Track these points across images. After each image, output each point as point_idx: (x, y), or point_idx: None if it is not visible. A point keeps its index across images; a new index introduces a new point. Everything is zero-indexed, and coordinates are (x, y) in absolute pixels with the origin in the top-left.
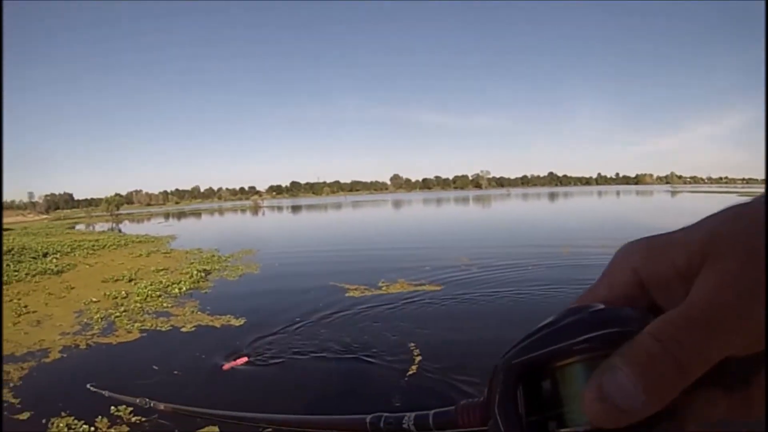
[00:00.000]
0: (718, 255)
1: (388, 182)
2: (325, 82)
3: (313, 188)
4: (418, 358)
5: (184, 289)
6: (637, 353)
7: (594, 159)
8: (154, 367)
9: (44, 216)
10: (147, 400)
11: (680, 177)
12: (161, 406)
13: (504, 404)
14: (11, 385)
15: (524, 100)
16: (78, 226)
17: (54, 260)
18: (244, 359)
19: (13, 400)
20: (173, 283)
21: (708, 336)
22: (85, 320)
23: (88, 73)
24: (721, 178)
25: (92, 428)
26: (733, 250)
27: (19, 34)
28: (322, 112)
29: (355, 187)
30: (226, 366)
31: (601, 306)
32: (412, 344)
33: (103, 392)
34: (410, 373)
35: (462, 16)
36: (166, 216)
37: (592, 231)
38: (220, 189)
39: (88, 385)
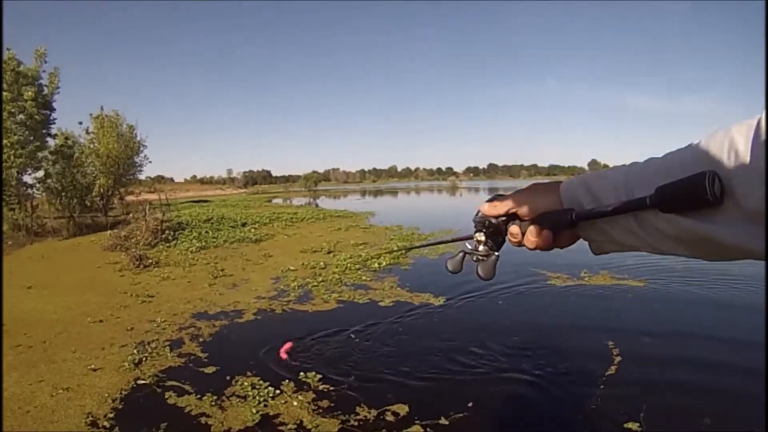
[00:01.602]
0: None
1: (586, 167)
2: (522, 60)
3: (510, 171)
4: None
5: (384, 264)
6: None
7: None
8: (352, 336)
9: (242, 190)
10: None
11: None
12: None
13: None
14: (200, 340)
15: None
16: (275, 200)
17: (252, 230)
18: (289, 345)
19: (200, 354)
20: (373, 257)
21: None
22: (282, 287)
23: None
24: None
25: (277, 391)
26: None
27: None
28: (515, 93)
29: (552, 171)
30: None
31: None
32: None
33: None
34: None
35: None
36: (363, 193)
37: None
38: (417, 169)
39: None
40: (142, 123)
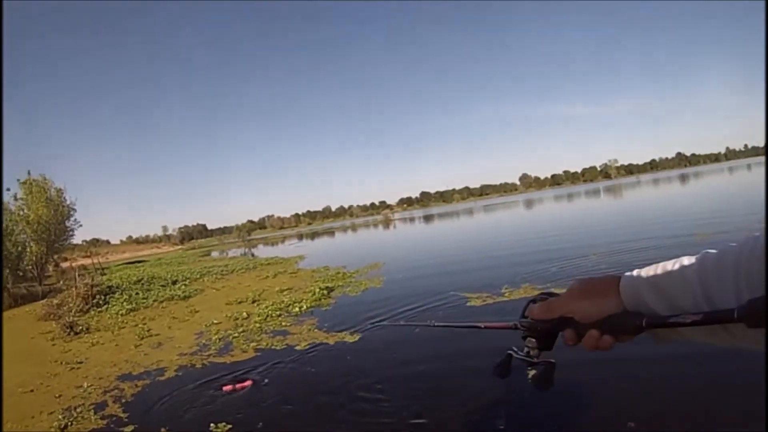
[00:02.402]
0: None
1: (518, 182)
2: (453, 90)
3: (443, 196)
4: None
5: (305, 307)
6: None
7: (721, 132)
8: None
9: (179, 246)
10: (432, 321)
11: None
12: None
13: None
14: (123, 401)
15: (647, 80)
16: (213, 254)
17: (183, 286)
18: (249, 382)
19: (122, 415)
20: (294, 302)
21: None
22: (204, 341)
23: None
24: None
25: None
26: None
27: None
28: (450, 120)
29: (484, 191)
30: (227, 387)
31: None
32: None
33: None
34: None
35: None
36: (300, 237)
37: (720, 213)
38: (350, 206)
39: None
40: (72, 185)
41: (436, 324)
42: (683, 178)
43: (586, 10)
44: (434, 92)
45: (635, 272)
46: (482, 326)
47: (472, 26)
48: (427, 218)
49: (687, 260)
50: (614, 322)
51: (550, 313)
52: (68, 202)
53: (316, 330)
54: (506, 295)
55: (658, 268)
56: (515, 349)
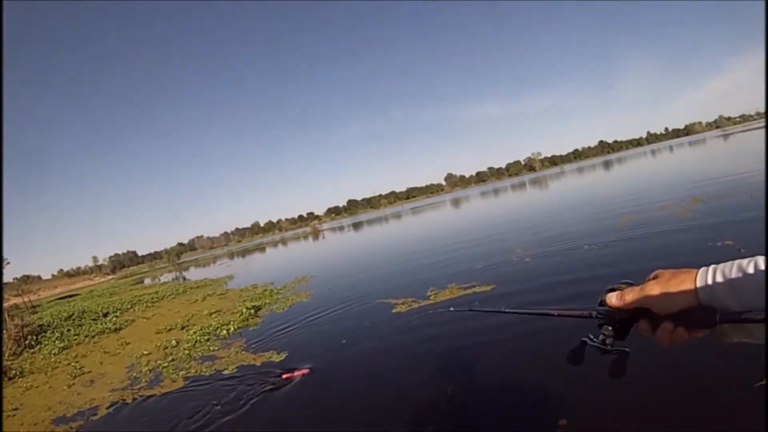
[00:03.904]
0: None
1: (443, 182)
2: (367, 97)
3: (370, 202)
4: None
5: (233, 329)
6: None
7: (641, 119)
8: (185, 416)
9: (111, 276)
10: (503, 307)
11: (729, 118)
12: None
13: None
14: None
15: (567, 72)
16: (146, 280)
17: (113, 318)
18: (306, 371)
19: None
20: (222, 325)
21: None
22: (135, 374)
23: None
24: None
25: None
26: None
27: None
28: (367, 127)
29: (411, 193)
30: (287, 376)
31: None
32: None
33: (468, 309)
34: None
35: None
36: (231, 256)
37: (647, 193)
38: (279, 221)
39: (451, 308)
40: None
41: (507, 310)
42: (606, 165)
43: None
44: (354, 99)
45: (711, 267)
46: (555, 314)
47: (384, 32)
48: (356, 226)
49: (761, 260)
50: (689, 315)
51: (626, 302)
52: None
53: (243, 352)
54: (431, 298)
55: (734, 266)
56: (591, 337)
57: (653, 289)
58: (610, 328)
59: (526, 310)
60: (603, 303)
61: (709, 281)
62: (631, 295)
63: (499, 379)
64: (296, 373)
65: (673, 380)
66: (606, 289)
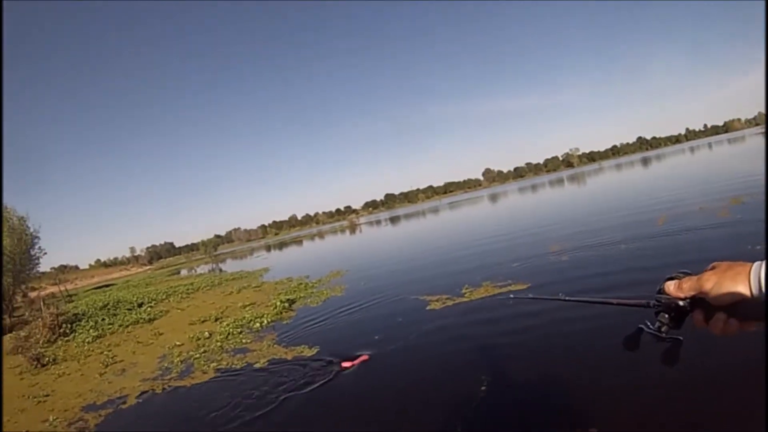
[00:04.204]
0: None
1: (481, 178)
2: (405, 90)
3: (408, 197)
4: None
5: (266, 322)
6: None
7: (680, 114)
8: (216, 408)
9: (147, 267)
10: (562, 294)
11: None
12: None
13: None
14: None
15: (603, 64)
16: (182, 272)
17: (148, 309)
18: (365, 357)
19: None
20: (255, 318)
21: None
22: (166, 365)
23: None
24: None
25: None
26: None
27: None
28: (405, 119)
29: (448, 188)
30: (346, 364)
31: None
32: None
33: (528, 296)
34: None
35: None
36: (267, 248)
37: (685, 192)
38: (316, 214)
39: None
40: (35, 211)
41: (567, 298)
42: (645, 162)
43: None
44: (389, 94)
45: (765, 262)
46: (614, 302)
47: (424, 24)
48: (393, 220)
49: None
50: (741, 307)
51: (683, 291)
52: (31, 230)
53: (275, 345)
54: (466, 295)
55: None
56: (648, 323)
57: (709, 279)
58: (667, 316)
59: (585, 298)
60: (661, 291)
61: (762, 275)
62: (688, 285)
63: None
64: (356, 361)
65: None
66: (665, 278)
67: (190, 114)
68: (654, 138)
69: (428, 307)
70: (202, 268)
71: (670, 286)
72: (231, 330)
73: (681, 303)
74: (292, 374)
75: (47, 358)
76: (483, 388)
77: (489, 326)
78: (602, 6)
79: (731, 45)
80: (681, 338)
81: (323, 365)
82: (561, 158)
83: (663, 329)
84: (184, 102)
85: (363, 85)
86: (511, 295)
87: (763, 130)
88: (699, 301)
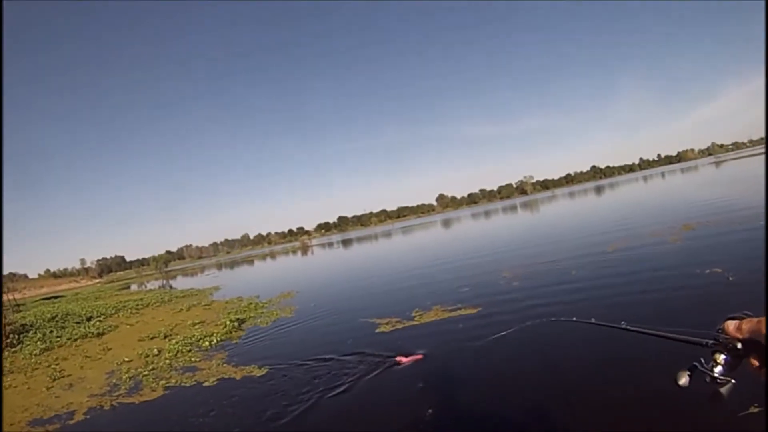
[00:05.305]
0: None
1: (435, 203)
2: (362, 115)
3: (361, 220)
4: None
5: (215, 341)
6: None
7: (634, 144)
8: (167, 427)
9: (97, 280)
10: (624, 322)
11: (722, 146)
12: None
13: None
14: None
15: (559, 96)
16: (132, 286)
17: (97, 323)
18: (419, 356)
19: None
20: (205, 336)
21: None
22: (115, 381)
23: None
24: (762, 139)
25: None
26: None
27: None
28: (362, 143)
29: (402, 213)
30: (403, 360)
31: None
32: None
33: (590, 320)
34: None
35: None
36: (219, 266)
37: (637, 219)
38: (269, 234)
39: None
40: None
41: (627, 327)
42: (598, 190)
43: (485, 29)
44: (347, 116)
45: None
46: (671, 336)
47: (375, 52)
48: (345, 242)
49: None
50: None
51: (741, 332)
52: None
53: (224, 364)
54: (416, 318)
55: None
56: (702, 361)
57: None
58: (722, 357)
59: (645, 329)
60: (721, 330)
61: None
62: (747, 326)
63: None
64: (410, 358)
65: None
66: (727, 317)
67: (145, 126)
68: (608, 167)
69: (377, 330)
70: (153, 284)
71: (730, 326)
72: (180, 348)
73: (738, 345)
74: (242, 393)
75: None
76: (429, 411)
77: (445, 347)
78: (562, 35)
79: (690, 77)
80: (733, 381)
81: (273, 383)
82: (515, 185)
83: (716, 370)
84: (135, 113)
85: (319, 108)
86: (574, 318)
87: (737, 156)
88: (756, 344)
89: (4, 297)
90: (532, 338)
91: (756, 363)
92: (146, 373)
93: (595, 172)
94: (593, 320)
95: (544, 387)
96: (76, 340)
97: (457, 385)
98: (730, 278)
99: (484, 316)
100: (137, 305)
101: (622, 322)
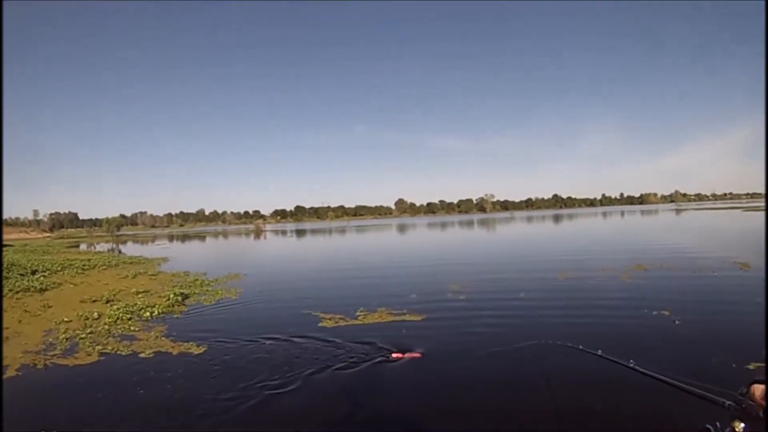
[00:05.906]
0: None
1: (393, 207)
2: (334, 109)
3: (318, 213)
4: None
5: (156, 312)
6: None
7: (598, 180)
8: (98, 395)
9: (47, 234)
10: (632, 362)
11: (685, 195)
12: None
13: None
14: None
15: (531, 120)
16: (81, 246)
17: (41, 278)
18: (418, 354)
19: None
20: (147, 306)
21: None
22: (51, 340)
23: (98, 91)
24: (725, 194)
25: None
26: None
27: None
28: (329, 138)
29: (359, 211)
30: (396, 355)
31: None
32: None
33: (597, 352)
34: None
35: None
36: (170, 238)
37: (592, 253)
38: (224, 213)
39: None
40: None
41: (637, 368)
42: (557, 218)
43: (468, 49)
44: (319, 110)
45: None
46: (687, 388)
47: (353, 48)
48: (299, 233)
49: None
50: None
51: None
52: None
53: (163, 338)
54: (360, 318)
55: None
56: (718, 425)
57: None
58: (742, 425)
59: (657, 374)
60: (745, 393)
61: None
62: None
63: None
64: (407, 355)
65: None
66: (752, 379)
67: (112, 88)
68: (570, 198)
69: (320, 324)
70: (102, 246)
71: (757, 391)
72: (121, 315)
73: (761, 412)
74: (177, 368)
75: None
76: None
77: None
78: (543, 64)
79: (661, 124)
80: None
81: (210, 362)
82: (475, 201)
83: None
84: (107, 77)
85: (293, 95)
86: (580, 347)
87: (698, 207)
88: None
89: None
90: (478, 353)
91: None
92: (84, 336)
93: (556, 201)
94: (600, 352)
95: (465, 405)
96: (17, 293)
97: (385, 390)
98: (677, 322)
99: (429, 325)
100: (84, 266)
101: (631, 361)
